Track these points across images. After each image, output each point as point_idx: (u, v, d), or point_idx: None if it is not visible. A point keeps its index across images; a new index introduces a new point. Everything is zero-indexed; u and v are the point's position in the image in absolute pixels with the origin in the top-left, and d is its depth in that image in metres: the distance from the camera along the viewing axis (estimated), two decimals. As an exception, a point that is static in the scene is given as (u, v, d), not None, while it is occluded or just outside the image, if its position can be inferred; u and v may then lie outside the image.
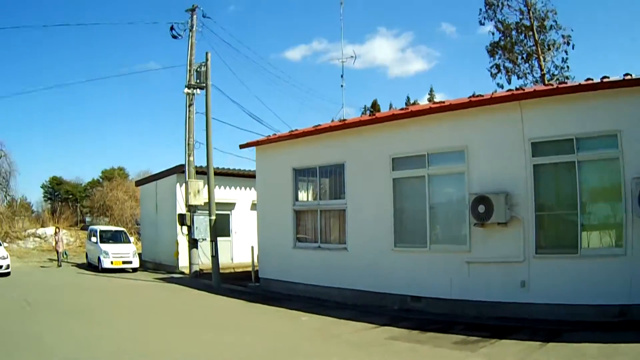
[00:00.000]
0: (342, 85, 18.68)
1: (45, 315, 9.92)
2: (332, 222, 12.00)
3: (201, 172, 17.39)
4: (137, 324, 9.22)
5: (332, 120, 16.31)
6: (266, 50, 60.94)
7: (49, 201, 48.05)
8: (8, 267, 17.23)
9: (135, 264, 19.25)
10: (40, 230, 31.16)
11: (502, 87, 25.28)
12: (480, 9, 26.30)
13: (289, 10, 66.13)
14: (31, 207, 43.45)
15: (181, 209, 18.12)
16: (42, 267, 21.38)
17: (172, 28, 18.13)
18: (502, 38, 26.02)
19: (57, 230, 22.87)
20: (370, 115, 14.40)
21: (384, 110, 33.28)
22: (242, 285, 14.33)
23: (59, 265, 21.08)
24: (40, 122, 64.78)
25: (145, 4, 63.21)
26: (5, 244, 20.51)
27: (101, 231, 20.75)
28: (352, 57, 19.22)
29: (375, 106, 36.51)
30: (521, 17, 25.12)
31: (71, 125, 66.36)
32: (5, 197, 33.43)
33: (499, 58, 26.10)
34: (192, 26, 18.24)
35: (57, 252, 21.63)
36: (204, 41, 18.54)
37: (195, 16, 18.28)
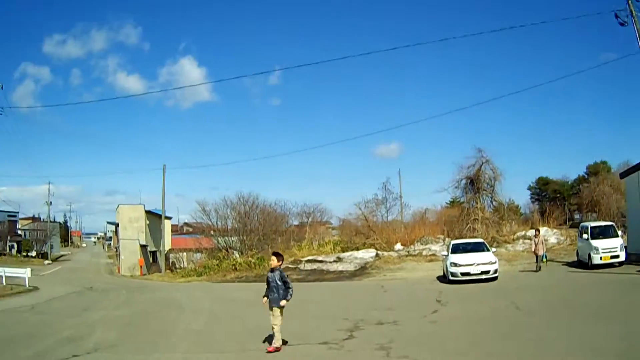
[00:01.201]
0: None
1: (544, 321, 9.83)
2: None
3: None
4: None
5: None
6: None
7: (536, 202, 51.48)
8: (496, 271, 17.27)
9: (622, 257, 18.91)
10: (530, 232, 31.34)
11: None
12: None
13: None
14: (519, 210, 44.72)
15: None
16: (522, 270, 21.01)
17: (616, 16, 18.15)
18: None
19: (537, 232, 21.80)
20: None
21: None
22: None
23: (537, 269, 19.92)
24: (525, 125, 70.58)
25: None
26: (494, 249, 20.30)
27: (591, 227, 20.51)
28: None
29: None
30: None
31: (555, 124, 69.35)
32: (492, 202, 33.39)
33: None
34: (631, 11, 17.90)
35: (536, 256, 20.39)
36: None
37: (630, 1, 17.87)
